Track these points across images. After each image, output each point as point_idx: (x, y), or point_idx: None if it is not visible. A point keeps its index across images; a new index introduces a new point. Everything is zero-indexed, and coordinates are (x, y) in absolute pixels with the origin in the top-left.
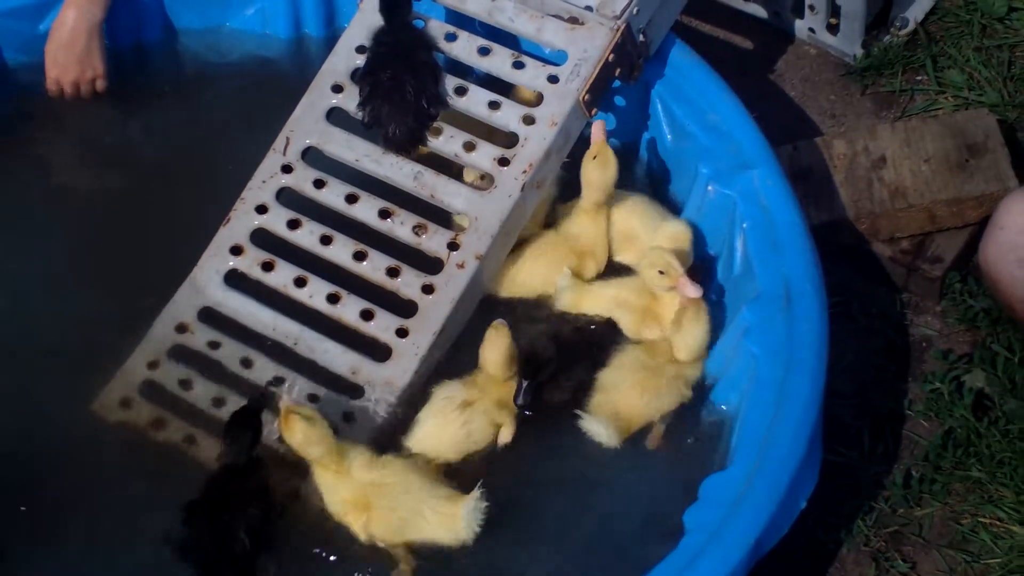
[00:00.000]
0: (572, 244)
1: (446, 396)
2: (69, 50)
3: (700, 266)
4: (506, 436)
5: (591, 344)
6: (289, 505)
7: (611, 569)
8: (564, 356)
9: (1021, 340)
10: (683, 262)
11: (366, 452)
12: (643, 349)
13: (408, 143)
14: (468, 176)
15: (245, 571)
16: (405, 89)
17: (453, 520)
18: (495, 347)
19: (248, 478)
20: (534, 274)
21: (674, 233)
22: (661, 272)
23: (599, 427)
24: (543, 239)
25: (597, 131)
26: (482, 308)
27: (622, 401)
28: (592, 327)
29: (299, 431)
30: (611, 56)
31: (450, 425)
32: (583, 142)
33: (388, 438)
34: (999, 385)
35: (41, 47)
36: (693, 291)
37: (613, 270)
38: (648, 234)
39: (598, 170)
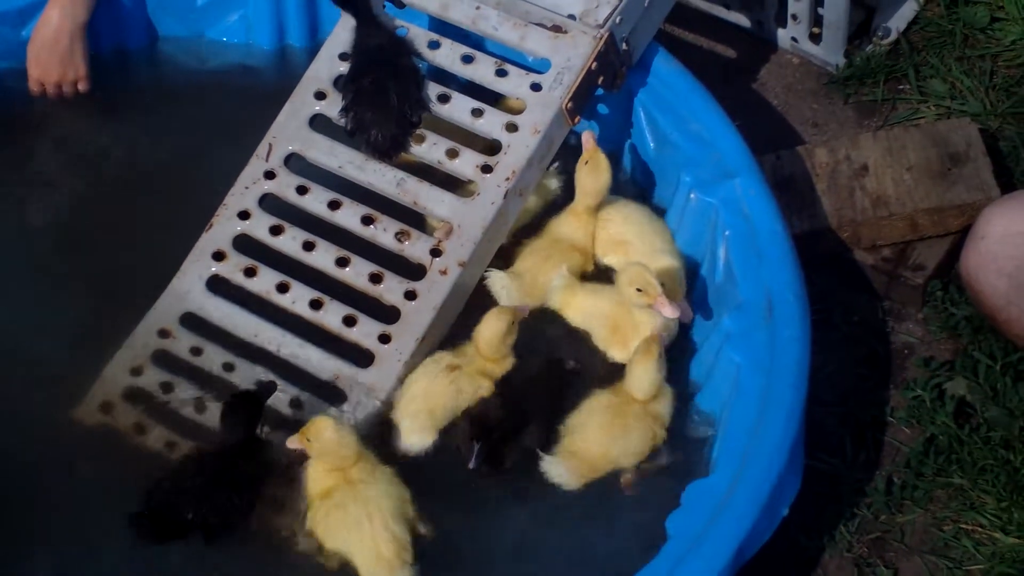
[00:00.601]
0: (561, 244)
1: (435, 360)
2: (52, 50)
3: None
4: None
5: (550, 393)
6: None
7: None
8: (519, 412)
9: (1002, 348)
10: (673, 294)
11: (371, 458)
12: (610, 391)
13: (391, 149)
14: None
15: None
16: (388, 95)
17: (380, 562)
18: (491, 328)
19: (236, 461)
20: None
21: (667, 269)
22: (639, 289)
23: (556, 468)
24: (534, 243)
25: (588, 139)
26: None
27: (585, 443)
28: (550, 374)
29: (331, 432)
30: (594, 64)
31: (439, 382)
32: (572, 151)
33: (370, 443)
34: (981, 393)
35: (24, 53)
36: (671, 311)
37: (603, 275)
38: (640, 241)
39: (591, 176)
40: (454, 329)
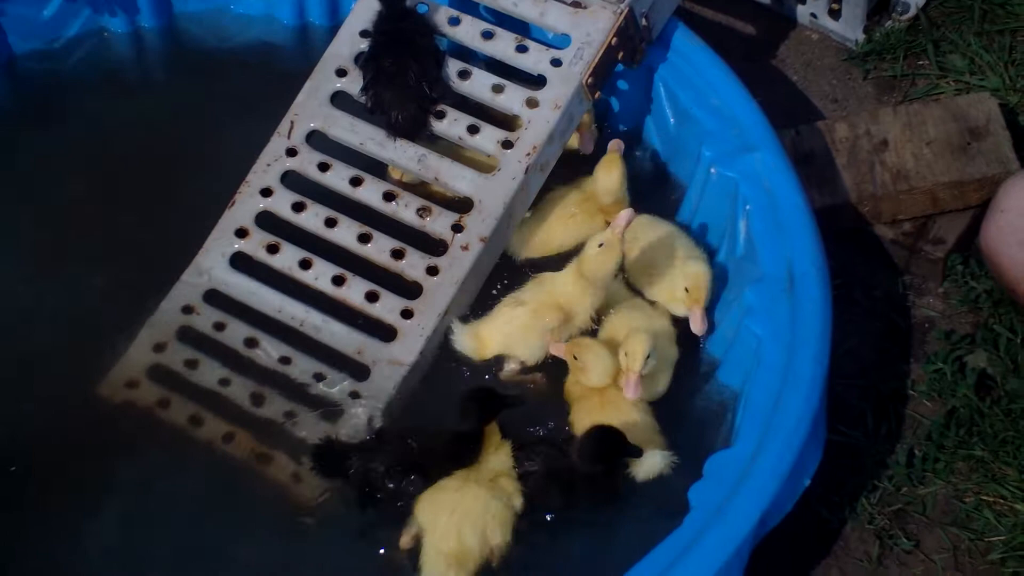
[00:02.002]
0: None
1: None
2: None
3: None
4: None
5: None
6: None
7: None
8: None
9: (1022, 321)
10: (698, 299)
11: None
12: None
13: (411, 129)
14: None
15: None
16: (408, 75)
17: (438, 555)
18: (609, 171)
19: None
20: (554, 233)
21: (694, 273)
22: (626, 354)
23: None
24: (568, 199)
25: (614, 145)
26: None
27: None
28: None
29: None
30: (614, 40)
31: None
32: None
33: (393, 417)
34: (1001, 365)
35: (44, 33)
36: (631, 391)
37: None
38: (668, 269)
39: (603, 172)
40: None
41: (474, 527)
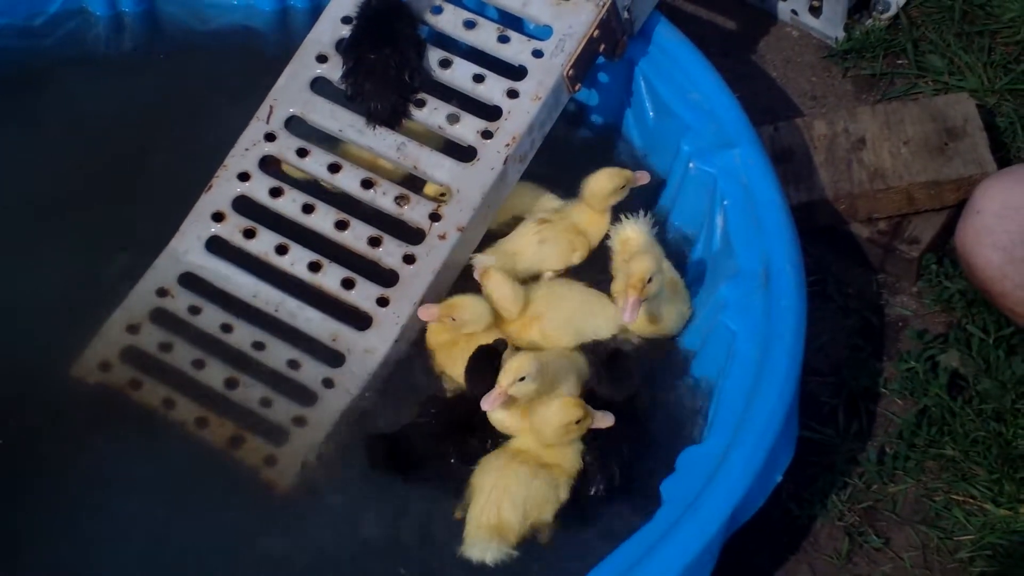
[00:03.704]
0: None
1: (528, 219)
2: None
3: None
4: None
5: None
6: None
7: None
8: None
9: (996, 321)
10: (634, 285)
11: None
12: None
13: (391, 118)
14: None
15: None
16: (388, 64)
17: (479, 527)
18: (607, 180)
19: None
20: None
21: (636, 263)
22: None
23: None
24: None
25: (642, 176)
26: None
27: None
28: None
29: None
30: (596, 32)
31: (526, 235)
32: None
33: (367, 405)
34: (973, 365)
35: (22, 9)
36: (628, 314)
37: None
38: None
39: (606, 178)
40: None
41: (514, 503)
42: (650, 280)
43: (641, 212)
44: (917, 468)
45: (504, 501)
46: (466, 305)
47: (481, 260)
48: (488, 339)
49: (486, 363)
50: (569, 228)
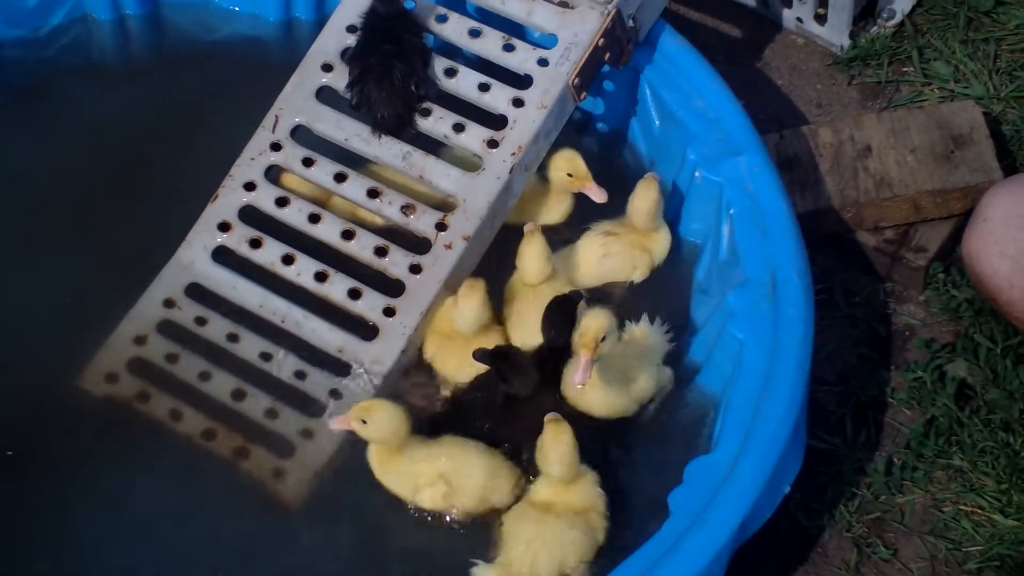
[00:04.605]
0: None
1: (594, 230)
2: None
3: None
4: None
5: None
6: None
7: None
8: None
9: (1003, 331)
10: (586, 344)
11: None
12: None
13: (397, 128)
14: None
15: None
16: (394, 74)
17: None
18: (644, 198)
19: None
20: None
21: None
22: (569, 175)
23: None
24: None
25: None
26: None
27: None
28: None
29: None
30: (601, 40)
31: (591, 246)
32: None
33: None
34: (981, 375)
35: (30, 21)
36: (579, 375)
37: None
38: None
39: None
40: None
41: (551, 557)
42: (603, 339)
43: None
44: (925, 478)
45: (541, 555)
46: (377, 409)
47: (530, 224)
48: (487, 342)
49: (564, 313)
50: (635, 244)
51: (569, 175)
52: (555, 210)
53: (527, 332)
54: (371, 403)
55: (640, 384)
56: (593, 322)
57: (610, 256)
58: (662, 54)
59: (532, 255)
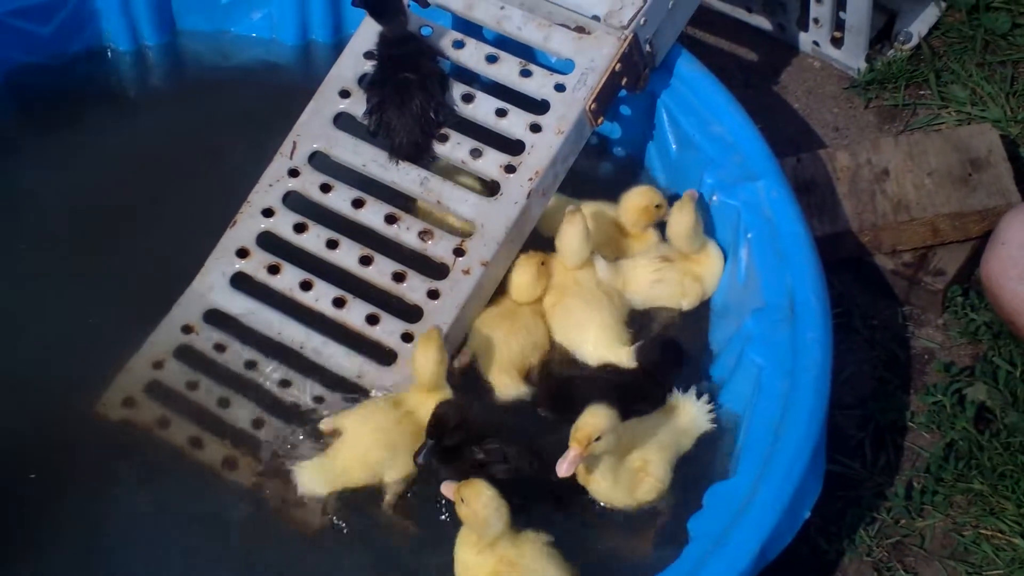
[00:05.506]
0: None
1: (650, 253)
2: None
3: None
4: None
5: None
6: None
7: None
8: (477, 430)
9: (1022, 354)
10: (579, 439)
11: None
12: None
13: (415, 155)
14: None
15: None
16: (412, 101)
17: None
18: (677, 221)
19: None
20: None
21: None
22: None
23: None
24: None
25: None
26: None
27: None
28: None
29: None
30: (618, 66)
31: (645, 269)
32: None
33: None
34: (1000, 398)
35: (47, 49)
36: (564, 467)
37: None
38: None
39: (677, 215)
40: None
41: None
42: (598, 439)
43: None
44: (945, 502)
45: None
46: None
47: (572, 206)
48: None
49: (670, 352)
50: (686, 271)
51: (657, 206)
52: (636, 248)
53: (570, 322)
54: (473, 482)
55: (645, 489)
56: (591, 420)
57: (662, 283)
58: (679, 78)
59: (572, 235)
